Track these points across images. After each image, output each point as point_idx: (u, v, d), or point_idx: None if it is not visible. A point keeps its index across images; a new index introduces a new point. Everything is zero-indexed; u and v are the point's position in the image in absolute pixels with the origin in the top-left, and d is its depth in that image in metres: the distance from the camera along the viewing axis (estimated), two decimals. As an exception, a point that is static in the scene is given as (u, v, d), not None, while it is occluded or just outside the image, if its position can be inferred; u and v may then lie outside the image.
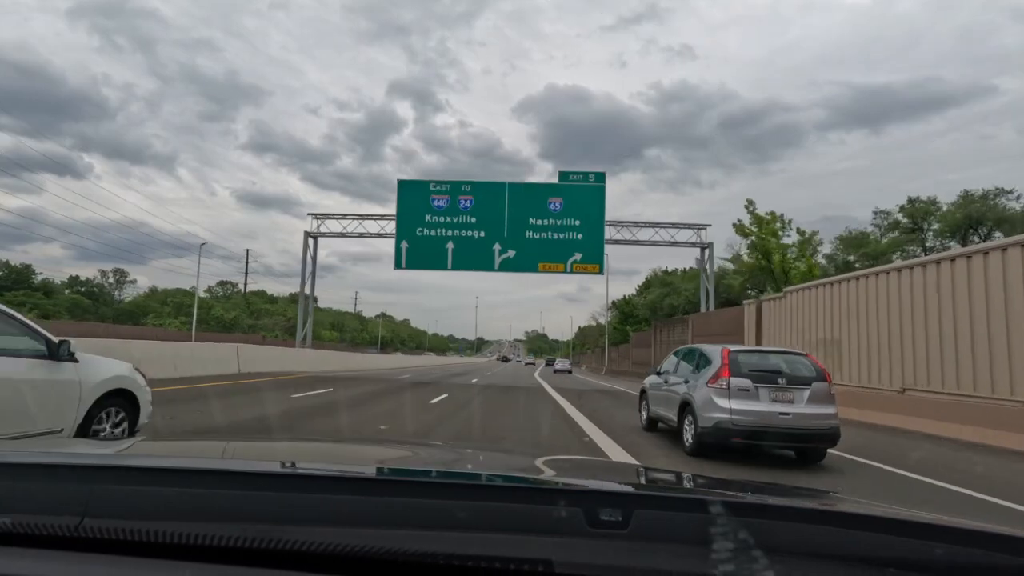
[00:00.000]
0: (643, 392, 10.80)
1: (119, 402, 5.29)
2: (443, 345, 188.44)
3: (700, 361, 8.45)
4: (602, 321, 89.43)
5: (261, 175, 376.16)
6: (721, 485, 1.23)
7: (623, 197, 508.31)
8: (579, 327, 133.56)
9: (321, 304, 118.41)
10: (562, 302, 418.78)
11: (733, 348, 8.15)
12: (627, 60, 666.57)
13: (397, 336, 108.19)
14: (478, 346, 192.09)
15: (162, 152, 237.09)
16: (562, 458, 1.66)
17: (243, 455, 1.64)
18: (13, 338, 4.44)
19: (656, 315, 54.36)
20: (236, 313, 70.86)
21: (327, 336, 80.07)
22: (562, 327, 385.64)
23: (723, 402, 7.47)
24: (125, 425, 5.34)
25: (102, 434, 5.03)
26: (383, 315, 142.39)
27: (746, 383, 7.51)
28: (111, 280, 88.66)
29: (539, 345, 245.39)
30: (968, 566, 0.81)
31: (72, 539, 0.88)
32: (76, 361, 4.77)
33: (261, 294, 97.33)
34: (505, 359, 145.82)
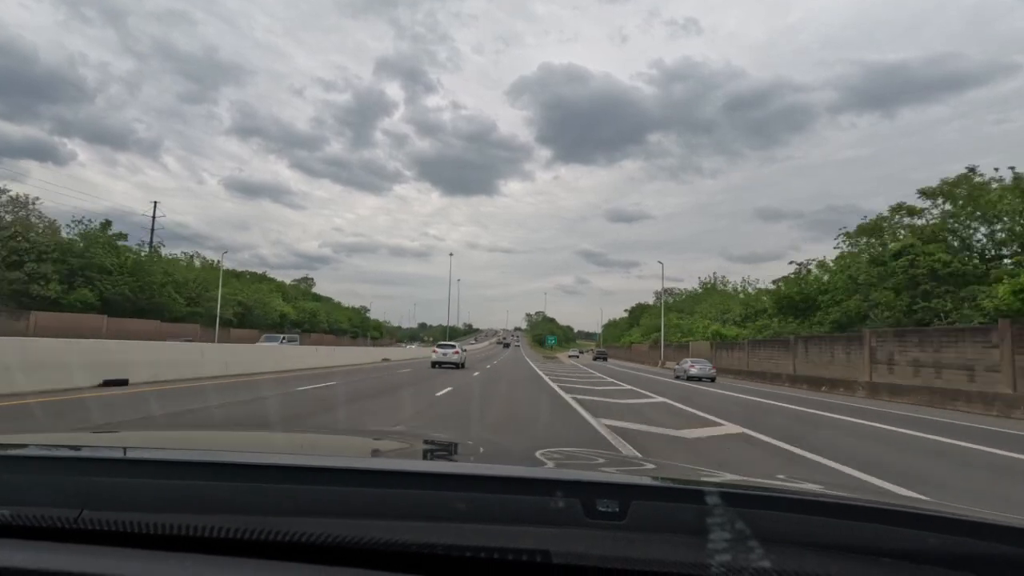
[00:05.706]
0: None
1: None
2: (368, 329, 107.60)
3: None
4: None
5: (250, 164, 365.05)
6: (718, 476, 1.25)
7: (620, 188, 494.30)
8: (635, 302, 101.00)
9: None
10: (560, 294, 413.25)
11: None
12: (628, 34, 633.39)
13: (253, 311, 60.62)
14: (451, 334, 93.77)
15: (146, 137, 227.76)
16: (560, 449, 1.68)
17: (242, 447, 1.65)
18: (461, 346, 36.77)
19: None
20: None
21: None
22: (566, 318, 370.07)
23: None
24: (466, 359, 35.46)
25: (446, 364, 30.78)
26: (253, 277, 77.70)
27: None
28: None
29: (548, 330, 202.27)
30: (961, 555, 0.81)
31: (71, 531, 0.89)
32: (465, 351, 36.18)
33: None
34: (505, 344, 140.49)
